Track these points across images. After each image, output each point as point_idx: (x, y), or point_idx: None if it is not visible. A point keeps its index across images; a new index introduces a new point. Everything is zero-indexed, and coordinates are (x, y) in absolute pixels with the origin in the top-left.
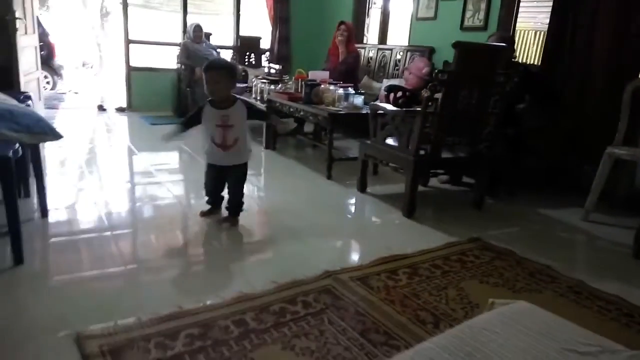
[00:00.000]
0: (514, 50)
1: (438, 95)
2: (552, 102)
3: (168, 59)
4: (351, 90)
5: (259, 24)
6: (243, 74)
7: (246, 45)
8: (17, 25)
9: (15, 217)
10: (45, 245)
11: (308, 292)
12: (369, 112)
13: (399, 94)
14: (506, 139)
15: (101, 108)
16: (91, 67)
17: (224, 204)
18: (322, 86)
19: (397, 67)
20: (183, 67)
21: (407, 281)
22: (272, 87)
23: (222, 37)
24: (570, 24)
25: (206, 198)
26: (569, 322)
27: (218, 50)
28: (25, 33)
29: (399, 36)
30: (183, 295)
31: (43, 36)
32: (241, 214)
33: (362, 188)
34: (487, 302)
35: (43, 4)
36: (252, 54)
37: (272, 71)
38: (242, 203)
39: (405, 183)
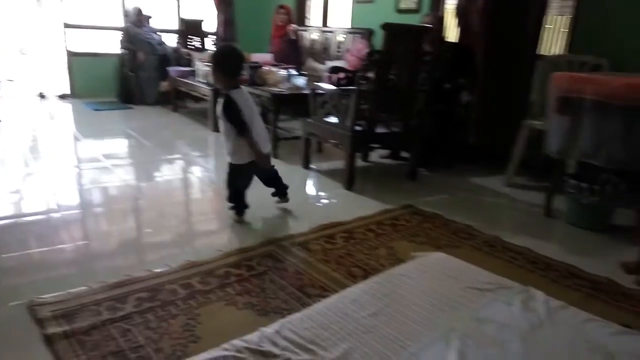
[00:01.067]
0: (441, 30)
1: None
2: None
3: (111, 44)
4: (293, 72)
5: (202, 7)
6: (187, 57)
7: (189, 29)
8: None
9: None
10: None
11: (252, 257)
12: (309, 91)
13: (342, 74)
14: (437, 114)
15: (42, 95)
16: (27, 54)
17: None
18: (265, 68)
19: (339, 49)
20: (126, 51)
21: (343, 244)
22: None
23: (164, 21)
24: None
25: None
26: (475, 267)
27: (159, 34)
28: None
29: (341, 19)
30: (132, 267)
31: None
32: (189, 195)
33: (306, 164)
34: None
35: None
36: (197, 38)
37: None
38: (231, 205)
39: (344, 157)
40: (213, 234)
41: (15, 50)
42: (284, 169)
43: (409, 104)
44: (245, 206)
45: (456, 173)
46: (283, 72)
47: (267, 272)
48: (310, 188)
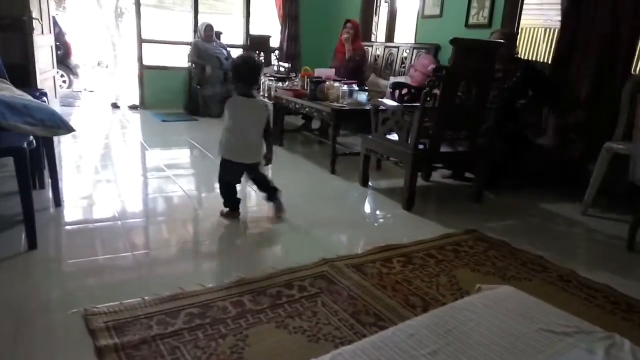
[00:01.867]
0: (514, 47)
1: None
2: (553, 98)
3: (179, 58)
4: (355, 87)
5: (269, 23)
6: None
7: (256, 44)
8: (34, 25)
9: (29, 204)
10: (58, 233)
11: (304, 277)
12: (371, 106)
13: (404, 90)
14: (506, 134)
15: (115, 106)
16: (106, 67)
17: None
18: (327, 83)
19: (403, 65)
20: (194, 65)
21: (400, 269)
22: (280, 84)
23: (232, 36)
24: (579, 22)
25: None
26: (550, 306)
27: (228, 49)
28: (42, 33)
29: (406, 34)
30: (186, 279)
31: (60, 36)
32: (243, 209)
33: (364, 182)
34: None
35: (60, 5)
36: (262, 53)
37: (282, 69)
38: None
39: (405, 176)
40: (267, 249)
41: (95, 63)
42: (341, 185)
43: (477, 123)
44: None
45: (524, 197)
46: (345, 88)
47: (319, 295)
48: (368, 207)
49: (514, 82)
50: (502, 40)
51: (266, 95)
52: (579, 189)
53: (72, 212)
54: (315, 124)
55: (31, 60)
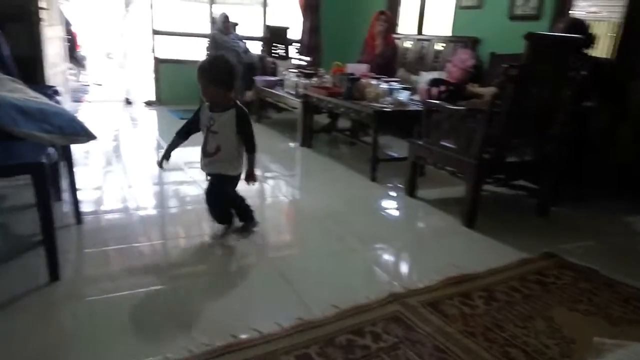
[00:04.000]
0: (592, 41)
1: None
2: (621, 99)
3: (197, 51)
4: (395, 85)
5: (286, 14)
6: (272, 65)
7: (274, 36)
8: (42, 16)
9: (50, 231)
10: (82, 258)
11: (375, 320)
12: (420, 108)
13: (443, 87)
14: (572, 138)
15: (128, 101)
16: (114, 58)
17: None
18: (364, 80)
19: (436, 59)
20: None
21: (484, 307)
22: (307, 80)
23: (248, 28)
24: None
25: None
26: None
27: (244, 41)
28: (50, 24)
29: (437, 26)
30: (235, 320)
31: (66, 26)
32: (280, 222)
33: (411, 192)
34: (585, 336)
35: None
36: (281, 45)
37: (302, 63)
38: (229, 219)
39: (466, 189)
40: (320, 280)
41: (103, 55)
42: (386, 195)
43: (547, 128)
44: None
45: (592, 208)
46: (385, 86)
47: (398, 346)
48: (422, 222)
49: (579, 81)
50: (579, 35)
51: (292, 92)
52: None
53: (95, 231)
54: (342, 122)
55: (39, 53)
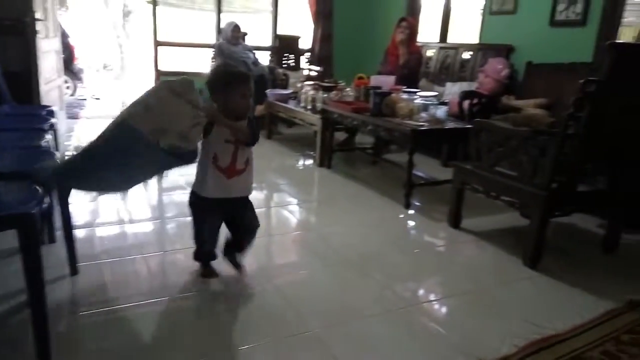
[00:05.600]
0: None
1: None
2: None
3: (199, 62)
4: (432, 100)
5: (295, 23)
6: (283, 77)
7: (285, 46)
8: (38, 28)
9: (41, 313)
10: (78, 326)
11: None
12: (461, 126)
13: (475, 100)
14: None
15: None
16: (111, 69)
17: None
18: (394, 95)
19: (463, 69)
20: None
21: None
22: (326, 94)
23: (257, 37)
24: None
25: (201, 253)
26: None
27: (254, 51)
28: (47, 36)
29: (462, 33)
30: None
31: (63, 38)
32: (306, 265)
33: (456, 223)
34: None
35: (62, 4)
36: (291, 56)
37: (313, 74)
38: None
39: (531, 225)
40: (369, 349)
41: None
42: (426, 227)
43: (626, 151)
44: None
45: None
46: (419, 100)
47: None
48: (478, 264)
49: None
50: None
51: (309, 107)
52: None
53: (93, 284)
54: (361, 138)
55: (34, 68)
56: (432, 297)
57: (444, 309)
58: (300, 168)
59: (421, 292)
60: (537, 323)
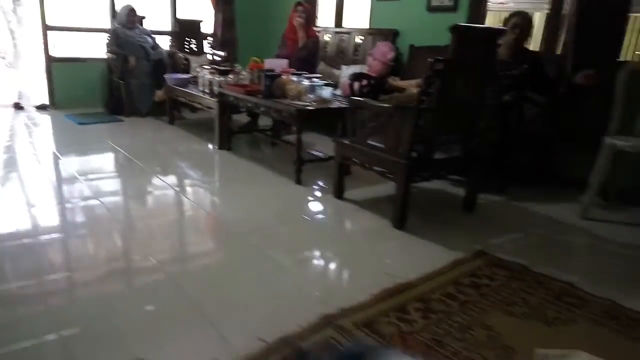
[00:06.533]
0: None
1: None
2: (550, 90)
3: (96, 48)
4: (318, 81)
5: (198, 6)
6: (185, 62)
7: (186, 30)
8: None
9: None
10: None
11: (307, 351)
12: (344, 105)
13: (365, 82)
14: (506, 129)
15: (18, 106)
16: (3, 58)
17: None
18: (284, 77)
19: (356, 52)
20: (114, 56)
21: (422, 322)
22: (222, 78)
23: (156, 21)
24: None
25: None
26: None
27: (153, 36)
28: None
29: (355, 18)
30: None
31: None
32: (197, 240)
33: (339, 194)
34: (525, 343)
35: None
36: (193, 40)
37: (217, 58)
38: None
39: (396, 189)
40: (242, 307)
41: None
42: (312, 198)
43: (473, 122)
44: None
45: (513, 199)
46: (306, 82)
47: None
48: (351, 227)
49: (519, 75)
50: (504, 27)
51: (207, 90)
52: (562, 187)
53: None
54: (263, 120)
55: None
56: (307, 259)
57: (316, 269)
58: (201, 151)
59: (298, 256)
60: (394, 274)
